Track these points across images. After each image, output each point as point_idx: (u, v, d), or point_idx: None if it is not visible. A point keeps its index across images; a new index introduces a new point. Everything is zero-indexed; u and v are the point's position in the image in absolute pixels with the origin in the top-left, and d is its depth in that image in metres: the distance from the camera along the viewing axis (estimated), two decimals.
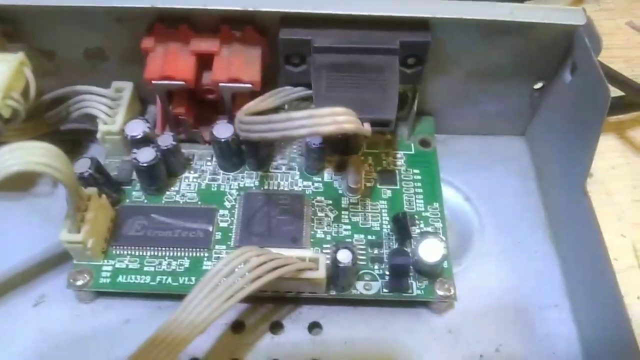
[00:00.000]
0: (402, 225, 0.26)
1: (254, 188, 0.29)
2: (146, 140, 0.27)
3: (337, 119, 0.20)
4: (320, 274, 0.23)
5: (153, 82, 0.26)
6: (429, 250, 0.24)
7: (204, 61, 0.27)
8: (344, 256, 0.24)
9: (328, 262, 0.24)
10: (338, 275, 0.24)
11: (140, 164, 0.26)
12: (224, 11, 0.25)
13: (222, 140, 0.27)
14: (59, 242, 0.27)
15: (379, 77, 0.25)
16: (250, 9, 0.25)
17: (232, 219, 0.27)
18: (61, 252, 0.28)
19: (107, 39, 0.28)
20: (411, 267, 0.25)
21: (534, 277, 0.28)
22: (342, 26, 0.25)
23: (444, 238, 0.25)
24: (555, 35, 0.27)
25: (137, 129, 0.27)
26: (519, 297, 0.27)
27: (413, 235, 0.26)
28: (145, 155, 0.26)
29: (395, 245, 0.27)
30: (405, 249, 0.26)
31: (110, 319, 0.26)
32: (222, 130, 0.27)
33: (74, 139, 0.32)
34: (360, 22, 0.25)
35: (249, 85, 0.26)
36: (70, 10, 0.26)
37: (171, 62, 0.26)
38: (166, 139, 0.27)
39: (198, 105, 0.29)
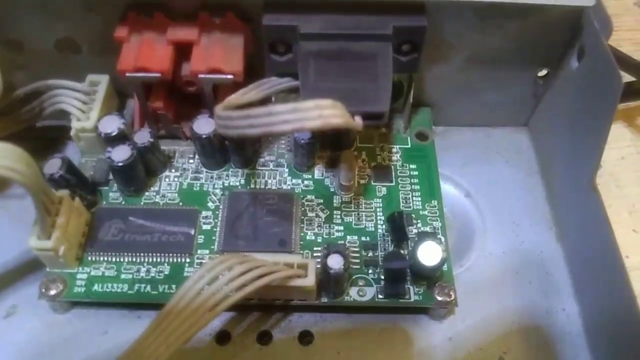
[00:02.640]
0: (398, 226, 0.24)
1: (239, 187, 0.27)
2: (122, 138, 0.25)
3: (324, 112, 0.18)
4: (310, 281, 0.22)
5: (127, 74, 0.24)
6: (428, 253, 0.22)
7: (183, 51, 0.25)
8: (335, 261, 0.22)
9: (318, 267, 0.22)
10: (329, 281, 0.22)
11: (115, 164, 0.24)
12: None
13: (204, 136, 0.25)
14: (27, 250, 0.26)
15: (371, 65, 0.23)
16: None
17: (216, 221, 0.25)
18: (33, 259, 0.26)
19: (78, 28, 0.26)
20: (408, 270, 0.24)
21: (539, 279, 0.26)
22: (330, 11, 0.23)
23: (443, 239, 0.23)
24: (561, 17, 0.25)
25: (111, 125, 0.25)
26: (524, 301, 0.25)
27: (410, 235, 0.25)
28: (121, 153, 0.24)
29: (391, 247, 0.25)
30: (402, 252, 0.24)
31: (86, 330, 0.24)
32: (203, 125, 0.25)
33: (50, 137, 0.30)
34: (350, 6, 0.23)
35: (231, 77, 0.24)
36: None
37: (146, 53, 0.24)
38: (143, 136, 0.25)
39: (178, 99, 0.27)
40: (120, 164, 0.24)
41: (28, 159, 0.20)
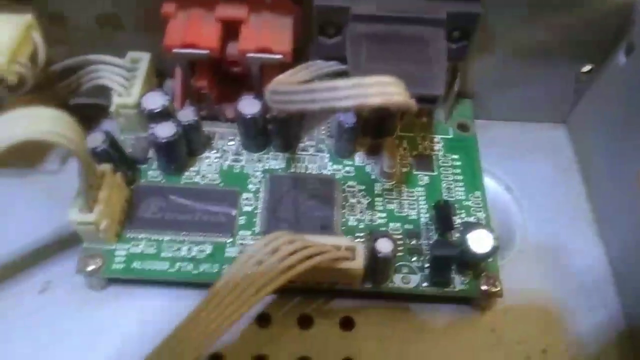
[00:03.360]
0: (444, 215, 0.24)
1: (279, 170, 0.26)
2: (165, 115, 0.24)
3: (386, 89, 0.18)
4: (358, 264, 0.21)
5: (174, 50, 0.23)
6: (478, 241, 0.21)
7: (230, 30, 0.24)
8: (384, 245, 0.21)
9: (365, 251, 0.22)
10: (376, 266, 0.22)
11: (159, 140, 0.24)
12: None
13: (248, 117, 0.25)
14: (68, 224, 0.25)
15: (424, 50, 0.23)
16: None
17: (257, 203, 0.25)
18: (69, 234, 0.25)
19: (122, 4, 0.26)
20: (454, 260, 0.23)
21: (581, 275, 0.26)
22: None
23: (494, 229, 0.23)
24: (610, 12, 0.25)
25: (155, 101, 0.24)
26: (565, 297, 0.25)
27: (454, 225, 0.24)
28: (165, 130, 0.24)
29: (435, 236, 0.24)
30: (449, 240, 0.24)
31: (122, 308, 0.24)
32: (248, 106, 0.25)
33: (85, 114, 0.29)
34: None
35: (279, 56, 0.24)
36: None
37: (194, 29, 0.24)
38: (187, 114, 0.25)
39: (221, 80, 0.27)
40: (164, 140, 0.24)
41: (77, 127, 0.20)
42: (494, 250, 0.22)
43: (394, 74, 0.21)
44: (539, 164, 0.30)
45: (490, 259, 0.23)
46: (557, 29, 0.26)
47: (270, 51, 0.24)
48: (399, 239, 0.24)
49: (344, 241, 0.22)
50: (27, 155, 0.28)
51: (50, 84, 0.27)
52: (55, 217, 0.26)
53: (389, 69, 0.22)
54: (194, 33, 0.24)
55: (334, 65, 0.25)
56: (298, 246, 0.20)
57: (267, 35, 0.24)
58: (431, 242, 0.24)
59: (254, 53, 0.24)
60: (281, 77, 0.23)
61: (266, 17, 0.24)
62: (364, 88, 0.18)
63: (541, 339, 0.24)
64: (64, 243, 0.25)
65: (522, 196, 0.28)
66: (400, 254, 0.24)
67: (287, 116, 0.25)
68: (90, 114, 0.30)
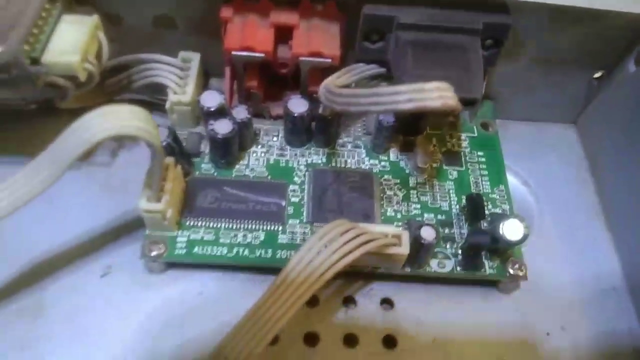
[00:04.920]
0: (475, 206, 0.26)
1: (321, 165, 0.28)
2: (220, 113, 0.26)
3: (444, 94, 0.20)
4: (404, 250, 0.24)
5: (233, 52, 0.25)
6: (511, 230, 0.24)
7: (281, 34, 0.26)
8: (428, 233, 0.24)
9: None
10: (419, 252, 0.24)
11: (218, 136, 0.26)
12: None
13: (297, 115, 0.27)
14: (123, 212, 0.27)
15: (462, 56, 0.25)
16: None
17: (303, 194, 0.27)
18: (125, 222, 0.27)
19: (179, 6, 0.27)
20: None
21: (593, 262, 0.28)
22: (425, 4, 0.25)
23: (524, 218, 0.26)
24: (624, 23, 0.28)
25: (212, 100, 0.26)
26: (579, 278, 0.28)
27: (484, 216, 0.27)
28: (223, 127, 0.26)
29: (465, 225, 0.27)
30: (485, 229, 0.26)
31: (181, 290, 0.26)
32: (297, 105, 0.27)
33: None
34: (445, 1, 0.25)
35: (329, 60, 0.26)
36: None
37: (251, 34, 0.26)
38: (241, 112, 0.27)
39: (267, 79, 0.29)
40: (222, 137, 0.26)
41: (154, 122, 0.21)
42: (525, 238, 0.24)
43: (437, 78, 0.23)
44: (552, 161, 0.32)
45: (519, 246, 0.26)
46: (574, 39, 0.29)
47: (321, 55, 0.26)
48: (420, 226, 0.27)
49: (389, 229, 0.24)
50: None
51: (99, 80, 0.29)
52: (110, 207, 0.28)
53: (433, 74, 0.25)
54: (250, 37, 0.25)
55: (374, 68, 0.27)
56: (355, 233, 0.22)
57: (317, 41, 0.26)
58: (462, 231, 0.27)
59: (306, 57, 0.26)
60: (330, 79, 0.25)
61: (315, 23, 0.26)
62: (425, 93, 0.20)
63: (560, 317, 0.27)
64: (121, 230, 0.27)
65: (538, 189, 0.31)
66: None
67: (331, 115, 0.27)
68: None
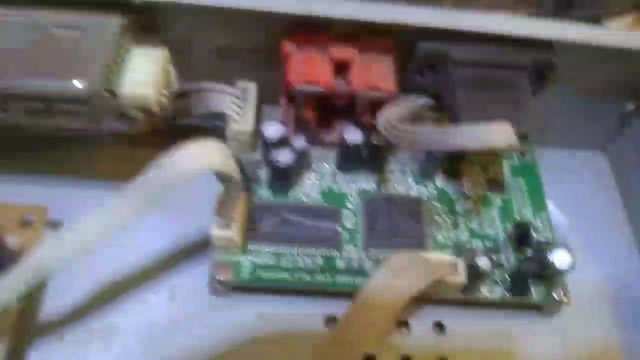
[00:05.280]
0: (524, 234, 0.28)
1: (372, 190, 0.30)
2: (281, 142, 0.28)
3: (508, 133, 0.22)
4: (460, 278, 0.25)
5: (296, 86, 0.27)
6: (561, 259, 0.26)
7: (339, 68, 0.28)
8: (484, 262, 0.25)
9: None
10: (474, 279, 0.26)
11: (281, 165, 0.27)
12: (365, 22, 0.27)
13: (352, 144, 0.28)
14: (186, 235, 0.29)
15: (512, 92, 0.27)
16: (398, 21, 0.26)
17: (356, 219, 0.29)
18: (189, 245, 0.29)
19: (243, 39, 0.28)
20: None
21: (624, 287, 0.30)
22: (477, 41, 0.27)
23: (571, 248, 0.27)
24: None
25: (274, 130, 0.28)
26: (616, 306, 0.29)
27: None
28: (285, 156, 0.27)
29: (512, 252, 0.28)
30: (531, 256, 0.28)
31: (244, 313, 0.27)
32: (352, 134, 0.28)
33: (184, 136, 0.32)
34: (495, 38, 0.27)
35: (386, 93, 0.27)
36: (215, 9, 0.26)
37: (312, 68, 0.27)
38: (300, 141, 0.28)
39: (321, 109, 0.30)
40: (285, 166, 0.27)
41: (233, 157, 0.23)
42: (572, 267, 0.26)
43: (491, 113, 0.25)
44: (584, 186, 0.34)
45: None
46: (609, 73, 0.30)
47: (378, 89, 0.27)
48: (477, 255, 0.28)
49: (446, 258, 0.25)
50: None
51: None
52: (173, 230, 0.29)
53: (485, 107, 0.26)
54: (312, 72, 0.27)
55: (424, 100, 0.29)
56: (420, 264, 0.23)
57: (375, 74, 0.27)
58: (509, 257, 0.28)
59: (364, 90, 0.27)
60: (388, 112, 0.27)
61: (371, 57, 0.28)
62: (491, 133, 0.21)
63: (601, 340, 0.28)
64: (185, 253, 0.28)
65: (571, 215, 0.32)
66: None
67: (384, 144, 0.29)
68: (189, 134, 0.32)
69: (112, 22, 0.25)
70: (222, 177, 0.23)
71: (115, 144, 0.32)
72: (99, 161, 0.32)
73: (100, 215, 0.21)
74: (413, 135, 0.23)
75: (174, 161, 0.20)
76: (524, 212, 0.30)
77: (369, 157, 0.30)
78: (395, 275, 0.22)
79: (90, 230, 0.21)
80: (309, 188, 0.29)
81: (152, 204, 0.21)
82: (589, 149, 0.35)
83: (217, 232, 0.25)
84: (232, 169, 0.22)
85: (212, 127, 0.31)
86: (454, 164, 0.31)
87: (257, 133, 0.30)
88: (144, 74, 0.25)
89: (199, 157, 0.21)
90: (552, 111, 0.33)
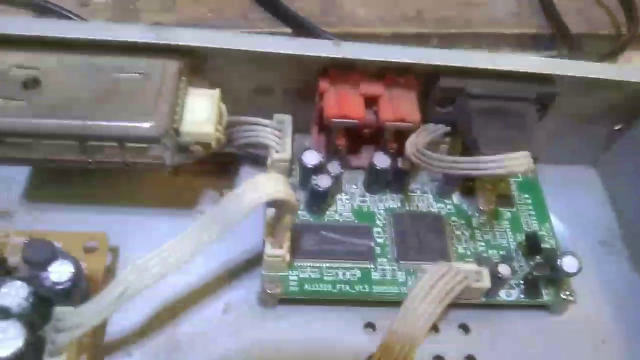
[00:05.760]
0: (534, 243, 0.32)
1: (397, 209, 0.33)
2: (319, 168, 0.31)
3: (527, 160, 0.25)
4: (486, 284, 0.29)
5: (333, 120, 0.30)
6: (569, 264, 0.29)
7: (368, 102, 0.31)
8: (504, 269, 0.29)
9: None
10: (497, 285, 0.29)
11: (321, 189, 0.30)
12: (391, 62, 0.30)
13: (381, 169, 0.32)
14: (235, 254, 0.31)
15: (521, 120, 0.31)
16: (424, 62, 0.30)
17: (386, 235, 0.32)
18: (239, 262, 0.32)
19: (281, 78, 0.32)
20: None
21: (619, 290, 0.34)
22: (489, 77, 0.31)
23: (578, 254, 0.31)
24: None
25: (313, 158, 0.31)
26: (615, 306, 0.33)
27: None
28: (324, 181, 0.30)
29: (523, 259, 0.32)
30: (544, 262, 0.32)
31: (293, 323, 0.30)
32: (381, 160, 0.32)
33: (219, 162, 0.35)
34: (504, 75, 0.31)
35: (411, 124, 0.31)
36: (255, 54, 0.30)
37: (346, 103, 0.30)
38: (335, 167, 0.31)
39: (348, 136, 0.33)
40: (323, 190, 0.30)
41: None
42: (580, 270, 0.30)
43: (505, 140, 0.28)
44: (577, 201, 0.38)
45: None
46: (600, 99, 0.35)
47: (404, 120, 0.31)
48: (497, 263, 0.32)
49: (472, 267, 0.29)
50: (186, 197, 0.34)
51: None
52: (224, 249, 0.32)
53: (500, 135, 0.30)
54: (346, 106, 0.30)
55: (443, 128, 0.33)
56: (454, 274, 0.27)
57: (401, 108, 0.31)
58: (521, 264, 0.32)
59: (392, 122, 0.31)
60: (416, 140, 0.30)
61: (397, 93, 0.31)
62: (514, 160, 0.25)
63: (603, 329, 0.32)
64: (236, 269, 0.31)
65: (566, 228, 0.36)
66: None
67: (409, 169, 0.32)
68: (226, 161, 0.36)
69: (171, 66, 0.28)
70: (282, 205, 0.26)
71: (157, 172, 0.35)
72: (144, 188, 0.34)
73: (181, 242, 0.24)
74: (442, 163, 0.27)
75: (248, 192, 0.24)
76: (531, 223, 0.34)
77: (394, 180, 0.33)
78: (434, 285, 0.26)
79: (173, 256, 0.24)
80: (342, 207, 0.33)
81: (229, 230, 0.24)
82: (581, 164, 0.40)
83: (270, 251, 0.28)
84: (292, 197, 0.25)
85: (249, 155, 0.34)
86: (468, 183, 0.34)
87: (292, 160, 0.33)
88: (203, 112, 0.28)
89: (268, 188, 0.24)
90: (549, 133, 0.37)
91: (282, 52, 0.29)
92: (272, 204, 0.29)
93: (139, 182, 0.35)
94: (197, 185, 0.35)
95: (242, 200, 0.24)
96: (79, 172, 0.33)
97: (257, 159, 0.35)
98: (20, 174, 0.33)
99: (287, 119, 0.33)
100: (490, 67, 0.31)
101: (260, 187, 0.24)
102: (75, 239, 0.30)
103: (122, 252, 0.31)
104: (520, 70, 0.31)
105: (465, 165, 0.26)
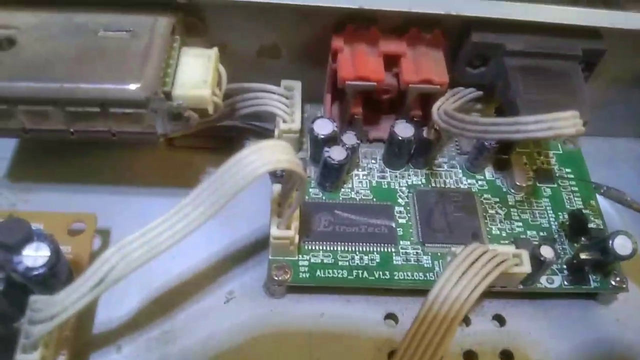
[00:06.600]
0: (580, 223, 0.28)
1: (421, 185, 0.29)
2: (333, 139, 0.27)
3: (577, 122, 0.21)
4: (526, 268, 0.25)
5: (347, 82, 0.26)
6: (622, 245, 0.25)
7: (388, 62, 0.27)
8: (547, 251, 0.25)
9: None
10: (537, 270, 0.25)
11: (335, 162, 0.26)
12: (417, 14, 0.26)
13: (404, 139, 0.28)
14: (238, 239, 0.28)
15: (567, 81, 0.26)
16: (454, 13, 0.26)
17: (409, 215, 0.28)
18: (242, 248, 0.28)
19: (287, 36, 0.28)
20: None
21: None
22: (529, 32, 0.27)
23: (632, 234, 0.27)
24: None
25: (325, 128, 0.27)
26: None
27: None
28: (338, 153, 0.27)
29: (567, 241, 0.28)
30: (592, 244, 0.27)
31: (303, 313, 0.26)
32: (403, 129, 0.28)
33: (225, 136, 0.32)
34: (546, 29, 0.27)
35: (438, 87, 0.27)
36: (259, 5, 0.26)
37: (362, 64, 0.26)
38: (351, 138, 0.28)
39: (366, 104, 0.30)
40: (338, 163, 0.27)
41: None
42: (634, 253, 0.26)
43: (549, 102, 0.24)
44: (627, 173, 0.34)
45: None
46: None
47: (431, 82, 0.27)
48: (538, 245, 0.28)
49: (510, 249, 0.25)
50: (183, 179, 0.30)
51: None
52: (225, 233, 0.28)
53: (542, 98, 0.26)
54: (363, 67, 0.26)
55: (474, 91, 0.29)
56: (491, 256, 0.23)
57: (426, 68, 0.27)
58: (564, 246, 0.28)
59: (416, 84, 0.27)
60: (442, 104, 0.27)
61: (421, 51, 0.27)
62: (562, 121, 0.21)
63: None
64: (239, 256, 0.28)
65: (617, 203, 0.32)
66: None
67: (435, 138, 0.28)
68: (229, 135, 0.32)
69: (162, 23, 0.25)
70: (289, 176, 0.22)
71: (152, 147, 0.32)
72: (139, 165, 0.31)
73: (170, 219, 0.21)
74: (478, 126, 0.23)
75: (244, 162, 0.20)
76: (574, 200, 0.30)
77: (419, 153, 0.29)
78: (465, 271, 0.22)
79: (162, 236, 0.20)
80: (359, 185, 0.29)
81: (223, 206, 0.20)
82: (629, 136, 0.35)
83: (276, 233, 0.24)
84: (299, 167, 0.21)
85: (253, 127, 0.31)
86: (502, 156, 0.30)
87: (302, 132, 0.29)
88: (197, 74, 0.25)
89: (269, 156, 0.20)
90: (595, 99, 0.33)
91: (288, 2, 0.26)
92: (278, 178, 0.26)
93: (134, 158, 0.31)
94: (197, 162, 0.31)
95: (240, 171, 0.20)
96: (69, 148, 0.30)
97: (264, 132, 0.32)
98: (4, 150, 0.30)
99: (297, 85, 0.29)
100: (529, 19, 0.26)
101: (262, 154, 0.20)
102: (59, 220, 0.26)
103: (114, 235, 0.28)
104: (564, 23, 0.27)
105: (505, 127, 0.22)
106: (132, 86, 0.23)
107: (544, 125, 0.21)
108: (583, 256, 0.26)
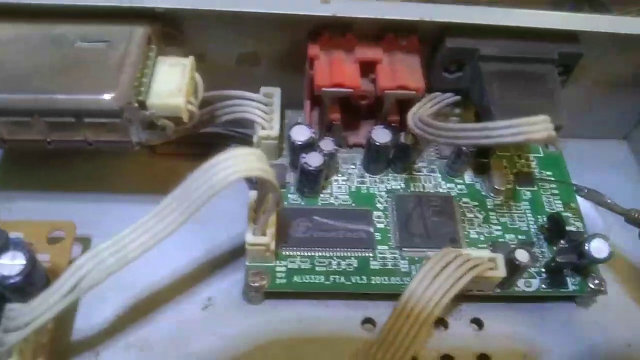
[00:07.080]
0: (558, 225, 0.28)
1: (400, 190, 0.30)
2: (310, 145, 0.28)
3: (548, 125, 0.22)
4: (501, 273, 0.25)
5: (323, 89, 0.26)
6: (598, 248, 0.25)
7: (364, 68, 0.27)
8: (523, 255, 0.25)
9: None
10: (513, 274, 0.25)
11: (311, 168, 0.27)
12: (391, 20, 0.26)
13: (381, 144, 0.28)
14: (215, 245, 0.28)
15: (543, 85, 0.27)
16: (427, 19, 0.26)
17: (387, 220, 0.28)
18: (219, 254, 0.28)
19: (265, 44, 0.28)
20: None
21: None
22: (504, 36, 0.27)
23: (608, 237, 0.27)
24: None
25: (302, 134, 0.28)
26: None
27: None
28: (315, 159, 0.27)
29: (545, 244, 0.28)
30: (565, 248, 0.28)
31: (282, 319, 0.27)
32: (381, 135, 0.28)
33: (205, 143, 0.32)
34: (522, 33, 0.27)
35: (414, 92, 0.27)
36: (236, 15, 0.26)
37: (339, 70, 0.27)
38: (328, 144, 0.28)
39: (345, 110, 0.30)
40: (315, 169, 0.27)
41: (268, 162, 0.22)
42: (610, 256, 0.26)
43: (524, 107, 0.25)
44: (607, 175, 0.34)
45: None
46: (632, 63, 0.30)
47: (407, 88, 0.27)
48: (514, 249, 0.28)
49: (485, 253, 0.25)
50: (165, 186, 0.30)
51: None
52: (202, 240, 0.28)
53: (520, 103, 0.26)
54: (339, 74, 0.26)
55: (451, 97, 0.29)
56: (463, 260, 0.23)
57: (402, 74, 0.27)
58: (542, 249, 0.28)
59: (392, 90, 0.27)
60: (421, 110, 0.27)
61: (398, 57, 0.27)
62: (532, 126, 0.21)
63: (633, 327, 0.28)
64: (217, 262, 0.28)
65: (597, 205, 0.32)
66: None
67: (413, 143, 0.28)
68: (210, 141, 0.32)
69: (138, 33, 0.25)
70: (262, 184, 0.23)
71: (135, 154, 0.32)
72: (122, 173, 0.31)
73: (142, 226, 0.21)
74: (449, 132, 0.23)
75: (216, 169, 0.20)
76: (554, 203, 0.30)
77: (398, 158, 0.29)
78: (437, 274, 0.22)
79: (135, 242, 0.21)
80: (338, 190, 0.29)
81: (195, 212, 0.20)
82: (611, 138, 0.35)
83: (251, 239, 0.25)
84: (271, 175, 0.21)
85: (235, 134, 0.31)
86: (481, 160, 0.30)
87: (282, 138, 0.30)
88: (172, 83, 0.25)
89: (241, 164, 0.21)
90: (576, 102, 0.33)
91: (264, 11, 0.26)
92: (254, 185, 0.26)
93: (117, 166, 0.31)
94: (178, 169, 0.30)
95: (211, 179, 0.20)
96: (53, 156, 0.30)
97: (246, 138, 0.32)
98: None
99: (276, 92, 0.30)
100: (504, 23, 0.27)
101: (234, 162, 0.21)
102: (39, 229, 0.27)
103: (95, 243, 0.28)
104: (539, 27, 0.27)
105: (475, 133, 0.22)
106: (106, 96, 0.23)
107: (514, 130, 0.21)
108: (560, 259, 0.26)
